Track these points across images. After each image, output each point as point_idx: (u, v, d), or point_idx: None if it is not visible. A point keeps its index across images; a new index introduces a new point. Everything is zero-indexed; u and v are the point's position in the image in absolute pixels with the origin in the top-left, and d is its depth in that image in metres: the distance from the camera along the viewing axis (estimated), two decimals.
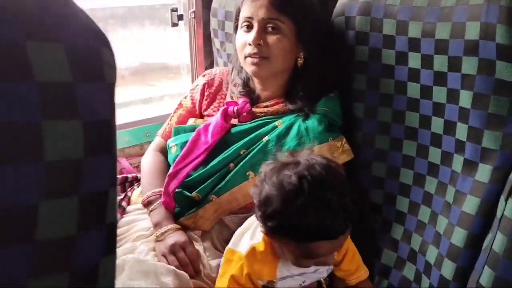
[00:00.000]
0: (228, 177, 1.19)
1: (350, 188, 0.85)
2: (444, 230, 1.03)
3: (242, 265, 0.95)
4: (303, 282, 1.02)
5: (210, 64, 1.71)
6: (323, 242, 0.82)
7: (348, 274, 1.05)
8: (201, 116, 1.38)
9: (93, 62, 0.44)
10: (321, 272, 1.02)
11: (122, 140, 1.63)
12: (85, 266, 0.44)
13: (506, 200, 0.91)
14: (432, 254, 1.06)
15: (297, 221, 0.81)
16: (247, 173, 1.18)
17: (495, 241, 0.91)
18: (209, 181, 1.20)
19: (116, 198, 0.47)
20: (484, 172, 0.96)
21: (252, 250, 0.96)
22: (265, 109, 1.27)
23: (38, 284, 0.40)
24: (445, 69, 1.01)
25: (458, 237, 0.99)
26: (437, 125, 1.07)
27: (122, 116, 1.72)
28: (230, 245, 1.03)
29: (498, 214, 0.93)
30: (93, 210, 0.44)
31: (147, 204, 1.25)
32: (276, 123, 1.22)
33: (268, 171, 0.89)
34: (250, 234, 1.00)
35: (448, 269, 1.00)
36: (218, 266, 1.13)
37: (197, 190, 1.20)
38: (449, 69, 1.01)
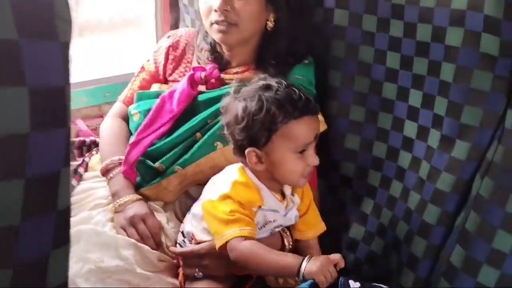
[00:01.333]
0: (194, 147, 1.12)
1: None
2: (416, 207, 1.01)
3: (232, 200, 0.92)
4: (274, 221, 0.99)
5: (176, 22, 1.59)
6: (308, 118, 0.90)
7: (309, 227, 1.04)
8: (166, 81, 1.29)
9: (42, 16, 0.35)
10: (290, 218, 1.01)
11: (79, 100, 1.52)
12: (32, 260, 0.37)
13: (482, 178, 0.89)
14: (402, 230, 1.04)
15: (282, 102, 0.88)
16: (215, 144, 1.11)
17: (468, 219, 0.90)
18: (174, 151, 1.13)
19: (70, 180, 0.39)
20: (461, 149, 0.94)
21: (234, 184, 0.94)
22: (235, 76, 1.19)
23: None
24: (428, 39, 0.97)
25: (431, 214, 0.97)
26: (415, 98, 1.03)
27: (78, 74, 1.60)
28: (205, 199, 0.98)
29: (473, 192, 0.91)
30: (41, 195, 0.36)
31: (105, 172, 1.17)
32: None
33: (230, 96, 0.96)
34: (221, 182, 0.97)
35: (419, 246, 0.99)
36: None
37: (161, 160, 1.13)
38: (433, 40, 0.96)
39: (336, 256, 0.89)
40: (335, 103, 1.17)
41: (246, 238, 0.89)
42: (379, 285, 0.92)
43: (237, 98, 0.93)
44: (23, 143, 0.34)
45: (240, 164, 0.98)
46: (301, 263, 0.85)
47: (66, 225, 0.40)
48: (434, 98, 0.98)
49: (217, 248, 0.92)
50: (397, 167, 1.09)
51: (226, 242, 0.90)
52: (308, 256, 0.86)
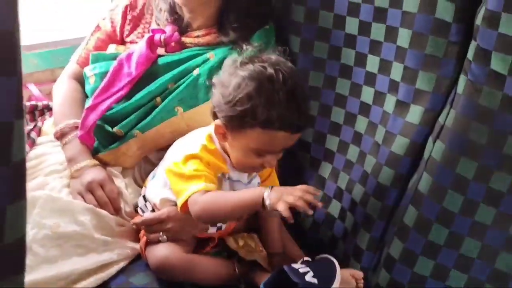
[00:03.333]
0: (154, 112, 1.10)
1: None
2: (372, 170, 1.04)
3: (200, 159, 0.91)
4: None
5: None
6: (285, 134, 0.86)
7: None
8: (123, 42, 1.24)
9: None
10: (253, 185, 1.02)
11: (30, 63, 1.45)
12: None
13: (434, 141, 0.93)
14: (358, 192, 1.07)
15: (270, 107, 0.83)
16: (176, 108, 1.10)
17: (421, 181, 0.94)
18: (133, 115, 1.11)
19: (24, 131, 0.38)
20: (415, 113, 0.96)
21: (204, 147, 0.93)
22: (196, 39, 1.16)
23: None
24: (386, 5, 0.98)
25: (385, 176, 1.00)
26: (372, 63, 1.04)
27: (30, 36, 1.52)
28: (172, 161, 0.95)
29: (426, 155, 0.94)
30: None
31: (60, 136, 1.14)
32: (208, 55, 1.12)
33: (239, 62, 0.89)
34: (189, 145, 0.95)
35: (374, 207, 1.02)
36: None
37: (120, 125, 1.11)
38: (390, 5, 0.97)
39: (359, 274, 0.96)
40: None
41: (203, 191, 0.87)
42: (326, 256, 0.98)
43: (240, 70, 0.88)
44: None
45: (208, 132, 0.96)
46: (264, 194, 0.83)
47: (22, 179, 0.38)
48: (391, 64, 1.00)
49: (179, 207, 0.90)
50: (354, 132, 1.11)
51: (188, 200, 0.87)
52: (269, 186, 0.85)
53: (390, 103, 1.01)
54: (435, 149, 0.92)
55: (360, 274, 0.98)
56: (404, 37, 0.95)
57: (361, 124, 1.09)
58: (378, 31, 1.01)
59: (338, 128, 1.15)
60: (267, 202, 0.82)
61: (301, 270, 0.91)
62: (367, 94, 1.07)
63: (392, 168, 0.99)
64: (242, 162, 0.92)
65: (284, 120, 0.84)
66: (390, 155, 1.00)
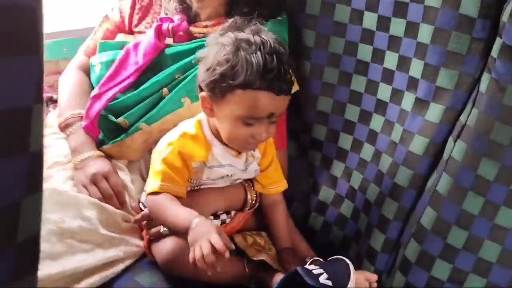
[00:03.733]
0: (161, 103, 1.07)
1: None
2: (388, 169, 1.01)
3: (173, 147, 0.91)
4: (232, 175, 0.99)
5: None
6: (268, 95, 0.84)
7: (270, 182, 1.03)
8: (131, 32, 1.21)
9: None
10: (249, 172, 1.00)
11: None
12: (2, 207, 0.32)
13: (455, 141, 0.90)
14: (373, 192, 1.04)
15: (249, 66, 0.82)
16: (182, 100, 1.06)
17: (440, 182, 0.91)
18: (138, 106, 1.07)
19: (43, 118, 0.34)
20: (435, 112, 0.93)
21: (183, 134, 0.93)
22: (205, 30, 1.13)
23: None
24: (407, 0, 0.94)
25: (402, 176, 0.97)
26: (390, 60, 1.01)
27: None
28: (156, 148, 0.96)
29: (445, 155, 0.91)
30: (10, 133, 0.32)
31: (64, 127, 1.10)
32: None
33: (217, 33, 0.90)
34: (175, 130, 0.96)
35: (389, 208, 0.99)
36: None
37: (125, 115, 1.07)
38: (412, 0, 0.94)
39: (373, 277, 0.93)
40: (308, 63, 1.14)
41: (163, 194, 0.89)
42: (339, 257, 0.94)
43: (219, 38, 0.88)
44: None
45: (199, 117, 0.95)
46: (190, 224, 0.81)
47: (39, 170, 0.35)
48: (410, 60, 0.97)
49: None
50: (369, 130, 1.08)
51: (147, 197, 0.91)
52: (198, 218, 0.82)
53: (408, 101, 0.98)
54: (455, 149, 0.89)
55: (374, 277, 0.95)
56: (425, 32, 0.92)
57: (377, 122, 1.06)
58: (397, 27, 0.98)
59: (352, 126, 1.12)
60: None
61: (315, 272, 0.88)
62: (384, 92, 1.04)
63: (410, 168, 0.96)
64: (231, 135, 0.90)
65: (264, 79, 0.82)
66: (408, 154, 0.97)
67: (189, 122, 0.97)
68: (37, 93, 0.33)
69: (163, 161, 0.90)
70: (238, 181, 1.01)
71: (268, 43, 0.84)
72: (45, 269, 0.87)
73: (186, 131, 0.93)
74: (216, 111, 0.89)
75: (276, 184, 1.04)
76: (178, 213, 0.86)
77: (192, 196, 0.95)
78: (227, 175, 0.98)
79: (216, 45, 0.87)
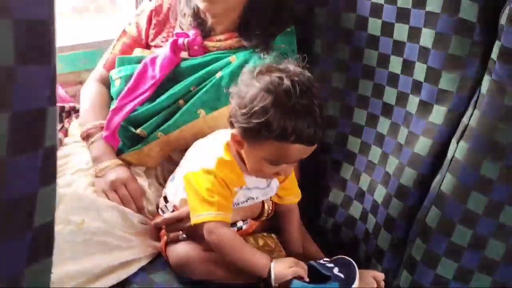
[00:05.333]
0: (177, 114, 1.11)
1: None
2: (394, 170, 1.03)
3: (214, 176, 0.92)
4: (256, 198, 1.01)
5: None
6: (300, 146, 0.85)
7: (286, 193, 1.06)
8: (147, 46, 1.27)
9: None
10: (272, 189, 1.02)
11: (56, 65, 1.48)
12: (19, 197, 0.37)
13: (458, 142, 0.92)
14: (380, 193, 1.07)
15: (286, 121, 0.83)
16: (198, 111, 1.11)
17: (444, 181, 0.93)
18: (156, 117, 1.13)
19: (57, 118, 0.39)
20: (438, 114, 0.96)
21: (221, 161, 0.94)
22: (218, 43, 1.18)
23: None
24: (409, 6, 0.98)
25: (408, 177, 0.99)
26: (395, 64, 1.04)
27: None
28: (185, 169, 0.98)
29: (449, 155, 0.93)
30: (27, 131, 0.36)
31: (86, 137, 1.16)
32: (229, 58, 1.14)
33: (256, 72, 0.89)
34: (206, 154, 0.97)
35: (396, 208, 1.01)
36: None
37: (143, 126, 1.13)
38: (413, 6, 0.97)
39: (380, 276, 0.96)
40: (316, 70, 1.17)
41: (221, 222, 0.91)
42: (343, 257, 0.97)
43: (256, 81, 0.87)
44: (9, 75, 0.34)
45: (226, 139, 0.96)
46: (270, 266, 0.88)
47: (53, 164, 0.39)
48: (414, 64, 0.99)
49: (191, 224, 0.93)
50: (377, 133, 1.11)
51: (203, 222, 0.91)
52: (274, 259, 0.90)
53: (413, 104, 1.01)
54: (458, 150, 0.91)
55: (381, 275, 0.97)
56: (427, 37, 0.95)
57: (384, 125, 1.09)
58: (401, 32, 1.01)
59: (360, 129, 1.15)
60: (273, 276, 0.88)
61: (328, 265, 0.92)
62: (390, 95, 1.07)
63: (415, 169, 0.98)
64: (257, 170, 0.92)
65: (300, 133, 0.83)
66: (413, 156, 0.99)
67: (218, 143, 0.97)
68: (51, 97, 0.38)
69: (211, 191, 0.91)
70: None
71: (307, 93, 0.84)
72: (65, 268, 0.92)
73: (222, 158, 0.94)
74: (245, 148, 0.91)
75: (291, 195, 1.07)
76: (249, 256, 0.91)
77: None
78: (252, 198, 1.00)
79: (253, 88, 0.86)
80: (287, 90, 0.83)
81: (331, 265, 0.93)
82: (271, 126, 0.83)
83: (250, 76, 0.89)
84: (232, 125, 0.91)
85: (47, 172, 0.39)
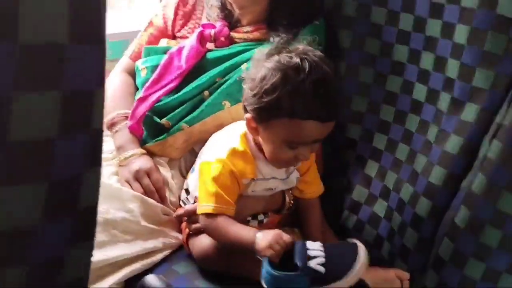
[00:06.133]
0: (202, 105, 1.11)
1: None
2: (422, 169, 1.01)
3: (223, 166, 0.92)
4: (274, 188, 1.01)
5: None
6: (314, 123, 0.84)
7: (308, 186, 1.05)
8: (174, 37, 1.27)
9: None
10: (292, 180, 1.02)
11: None
12: (66, 177, 0.37)
13: (490, 141, 0.90)
14: (407, 191, 1.05)
15: (296, 96, 0.82)
16: (223, 103, 1.11)
17: (475, 181, 0.91)
18: (181, 108, 1.13)
19: (104, 100, 0.39)
20: (470, 112, 0.93)
21: (232, 151, 0.93)
22: (245, 35, 1.17)
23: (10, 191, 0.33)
24: (443, 1, 0.96)
25: (437, 176, 0.98)
26: (427, 60, 1.02)
27: None
28: (201, 160, 0.99)
29: (481, 155, 0.91)
30: (77, 112, 0.36)
31: (110, 126, 1.16)
32: (256, 50, 1.13)
33: (265, 54, 0.89)
34: (222, 144, 0.97)
35: (423, 207, 1.00)
36: None
37: (168, 117, 1.13)
38: (448, 1, 0.95)
39: (404, 275, 0.94)
40: (343, 64, 1.16)
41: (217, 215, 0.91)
42: (352, 241, 0.88)
43: (266, 61, 0.87)
44: (61, 54, 0.34)
45: (243, 130, 0.96)
46: (255, 239, 0.85)
47: (99, 147, 0.39)
48: (446, 61, 0.97)
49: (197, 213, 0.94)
50: (405, 130, 1.09)
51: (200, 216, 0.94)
52: (261, 232, 0.86)
53: (444, 101, 0.99)
54: (491, 149, 0.89)
55: (406, 275, 0.96)
56: (461, 33, 0.93)
57: (412, 122, 1.07)
58: (434, 28, 0.99)
59: (387, 126, 1.13)
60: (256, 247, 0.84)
61: (311, 253, 0.82)
62: (420, 92, 1.05)
63: (445, 167, 0.97)
64: (275, 155, 0.91)
65: (311, 109, 0.83)
66: (443, 154, 0.97)
67: (235, 133, 0.98)
68: (99, 78, 0.37)
69: (215, 181, 0.91)
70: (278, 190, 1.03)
71: (316, 69, 0.83)
72: None
73: (235, 148, 0.94)
74: (261, 132, 0.90)
75: (313, 189, 1.06)
76: (240, 233, 0.89)
77: None
78: (271, 189, 1.00)
79: (263, 68, 0.86)
80: (296, 66, 0.83)
81: (318, 253, 0.82)
82: (282, 103, 0.83)
83: (260, 59, 0.89)
84: (245, 111, 0.91)
85: (93, 155, 0.38)
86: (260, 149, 0.94)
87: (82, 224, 0.39)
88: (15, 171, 0.33)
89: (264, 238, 0.84)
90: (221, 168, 0.92)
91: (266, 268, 0.81)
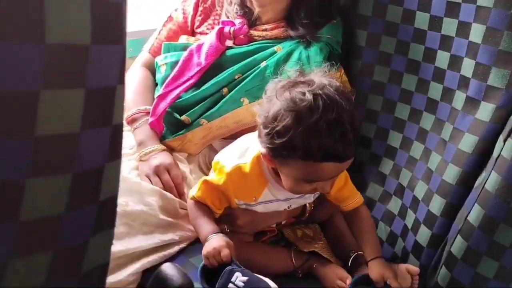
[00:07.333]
0: (221, 102, 1.13)
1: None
2: (437, 167, 1.02)
3: (222, 178, 0.94)
4: (288, 207, 1.01)
5: None
6: (331, 164, 0.81)
7: (345, 201, 1.01)
8: (193, 33, 1.29)
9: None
10: (308, 197, 1.01)
11: None
12: (89, 168, 0.39)
13: (505, 140, 0.89)
14: (421, 189, 1.06)
15: (309, 139, 0.78)
16: (241, 99, 1.12)
17: (489, 180, 0.91)
18: (200, 104, 1.15)
19: (124, 97, 0.41)
20: (485, 111, 0.94)
21: (237, 169, 0.93)
22: (264, 33, 1.19)
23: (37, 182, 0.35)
24: (459, 0, 0.96)
25: (451, 174, 0.98)
26: (442, 59, 1.02)
27: None
28: (216, 158, 1.01)
29: (495, 153, 0.91)
30: (99, 107, 0.38)
31: (131, 121, 1.19)
32: (275, 48, 1.15)
33: (278, 88, 0.84)
34: (240, 152, 0.97)
35: (437, 205, 1.00)
36: None
37: (188, 113, 1.15)
38: (464, 0, 0.95)
39: (414, 270, 0.93)
40: (359, 62, 1.17)
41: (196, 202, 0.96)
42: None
43: (278, 97, 0.83)
44: (85, 54, 0.36)
45: (258, 151, 0.92)
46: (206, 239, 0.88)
47: (120, 140, 0.42)
48: (462, 60, 0.98)
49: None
50: (419, 129, 1.10)
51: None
52: (215, 235, 0.88)
53: (459, 100, 0.99)
54: (505, 148, 0.89)
55: (416, 269, 0.96)
56: (477, 32, 0.93)
57: (427, 120, 1.07)
58: (449, 26, 0.99)
59: (402, 124, 1.14)
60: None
61: (232, 284, 0.82)
62: (435, 91, 1.05)
63: (459, 166, 0.97)
64: (293, 189, 0.89)
65: (326, 151, 0.78)
66: (457, 152, 0.97)
67: (252, 151, 0.95)
68: (120, 75, 0.40)
69: (208, 183, 0.95)
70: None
71: (331, 106, 0.78)
72: None
73: (241, 166, 0.92)
74: (277, 165, 0.87)
75: (350, 202, 1.01)
76: (203, 226, 0.93)
77: (255, 213, 0.99)
78: (285, 208, 1.00)
79: (275, 105, 0.82)
80: (309, 105, 0.78)
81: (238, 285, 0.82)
82: (295, 146, 0.79)
83: (273, 91, 0.85)
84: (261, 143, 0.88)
85: (114, 148, 0.41)
86: (276, 173, 0.92)
87: (104, 213, 0.41)
88: (41, 163, 0.36)
89: (209, 245, 0.87)
90: (220, 180, 0.94)
91: (199, 269, 0.86)
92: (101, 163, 0.40)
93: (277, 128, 0.80)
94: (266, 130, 0.83)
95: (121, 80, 0.40)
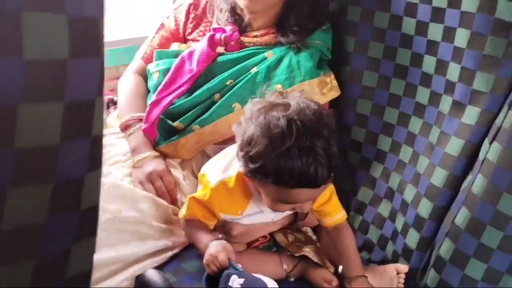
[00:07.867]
0: (213, 108, 1.14)
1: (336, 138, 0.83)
2: (425, 170, 1.03)
3: (207, 193, 0.95)
4: (272, 219, 1.02)
5: None
6: (304, 190, 0.81)
7: (321, 215, 1.01)
8: (185, 40, 1.30)
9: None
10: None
11: None
12: (69, 178, 0.40)
13: (491, 143, 0.91)
14: (410, 193, 1.07)
15: (281, 166, 0.78)
16: (233, 105, 1.14)
17: (475, 182, 0.92)
18: (192, 111, 1.16)
19: (103, 109, 0.42)
20: (471, 114, 0.95)
21: (221, 185, 0.94)
22: (255, 39, 1.20)
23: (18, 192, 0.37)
24: (444, 5, 0.97)
25: (438, 177, 0.99)
26: (429, 64, 1.04)
27: None
28: (203, 171, 1.03)
29: (481, 156, 0.93)
30: (78, 120, 0.40)
31: (124, 128, 1.21)
32: (265, 54, 1.16)
33: (254, 111, 0.84)
34: (224, 166, 0.98)
35: (425, 208, 1.01)
36: None
37: (180, 119, 1.16)
38: (449, 5, 0.97)
39: (403, 268, 0.96)
40: (348, 67, 1.18)
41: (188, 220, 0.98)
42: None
43: (254, 120, 0.82)
44: (63, 68, 0.37)
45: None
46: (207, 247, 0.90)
47: (100, 151, 0.43)
48: (448, 64, 0.99)
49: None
50: (408, 133, 1.11)
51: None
52: (215, 242, 0.90)
53: (445, 104, 1.00)
54: (491, 151, 0.90)
55: (404, 267, 0.97)
56: (462, 37, 0.95)
57: (415, 124, 1.09)
58: (435, 31, 1.01)
59: (391, 128, 1.15)
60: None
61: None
62: (422, 95, 1.07)
63: (446, 169, 0.98)
64: (271, 207, 0.89)
65: (299, 177, 0.78)
66: (444, 156, 0.99)
67: (233, 165, 0.95)
68: (98, 87, 0.41)
69: (195, 199, 0.97)
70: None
71: (306, 133, 0.77)
72: (102, 254, 0.96)
73: (225, 182, 0.93)
74: (256, 186, 0.88)
75: (333, 217, 1.01)
76: (201, 240, 0.95)
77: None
78: (271, 220, 1.01)
79: (250, 128, 0.82)
80: (281, 132, 0.78)
81: (237, 285, 0.84)
82: (267, 172, 0.80)
83: (250, 112, 0.84)
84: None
85: (94, 159, 0.42)
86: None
87: (85, 222, 0.43)
88: (22, 174, 0.37)
89: (206, 253, 0.89)
90: (204, 195, 0.95)
91: (204, 278, 0.89)
92: (82, 174, 0.41)
93: (251, 153, 0.81)
94: (242, 153, 0.84)
95: (99, 92, 0.41)
